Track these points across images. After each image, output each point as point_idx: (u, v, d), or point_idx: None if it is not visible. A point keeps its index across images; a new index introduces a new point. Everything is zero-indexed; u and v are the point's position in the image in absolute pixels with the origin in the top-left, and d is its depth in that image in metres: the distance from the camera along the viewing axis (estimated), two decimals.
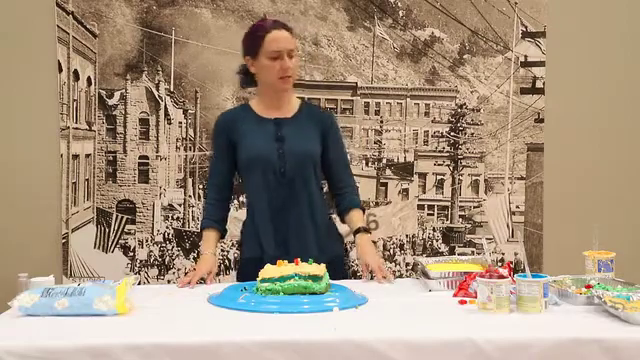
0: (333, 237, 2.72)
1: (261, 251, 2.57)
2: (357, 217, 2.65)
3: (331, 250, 2.64)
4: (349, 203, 2.68)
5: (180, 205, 4.11)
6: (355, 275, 2.99)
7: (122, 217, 4.05)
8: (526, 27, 4.13)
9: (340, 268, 2.64)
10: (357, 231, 2.61)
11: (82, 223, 4.02)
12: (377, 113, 4.18)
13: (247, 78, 2.67)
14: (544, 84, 4.11)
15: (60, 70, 3.93)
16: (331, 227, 2.73)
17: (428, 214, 4.21)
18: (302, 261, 2.20)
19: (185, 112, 4.08)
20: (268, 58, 2.53)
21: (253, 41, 2.57)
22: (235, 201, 4.14)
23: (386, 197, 4.22)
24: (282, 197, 2.57)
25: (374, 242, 4.07)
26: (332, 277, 2.29)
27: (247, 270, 2.45)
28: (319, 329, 1.85)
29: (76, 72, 3.98)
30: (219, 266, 4.08)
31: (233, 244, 4.10)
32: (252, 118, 2.64)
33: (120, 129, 4.04)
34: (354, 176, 2.81)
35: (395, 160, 4.21)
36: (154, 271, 4.07)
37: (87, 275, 3.99)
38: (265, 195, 2.59)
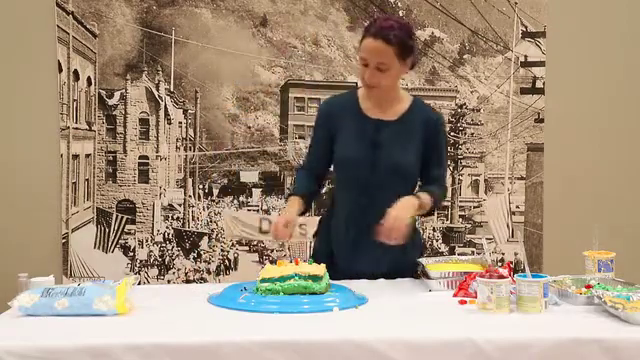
0: (413, 247, 2.56)
1: (331, 249, 2.48)
2: (422, 191, 2.49)
3: (408, 259, 2.53)
4: (425, 187, 2.52)
5: (180, 205, 4.11)
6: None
7: (122, 217, 4.05)
8: (526, 27, 4.13)
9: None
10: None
11: (82, 223, 4.02)
12: None
13: None
14: (544, 84, 4.11)
15: (60, 70, 3.93)
16: (413, 237, 2.55)
17: None
18: (371, 267, 2.15)
19: (185, 112, 4.08)
20: (360, 63, 2.45)
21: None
22: (235, 201, 4.15)
23: None
24: (364, 204, 2.47)
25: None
26: None
27: (317, 262, 2.32)
28: (319, 329, 1.85)
29: (76, 72, 3.98)
30: (219, 266, 4.09)
31: (233, 244, 4.10)
32: (355, 113, 2.53)
33: (120, 129, 4.04)
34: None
35: None
36: (154, 271, 4.06)
37: (87, 275, 3.99)
38: (348, 198, 2.52)
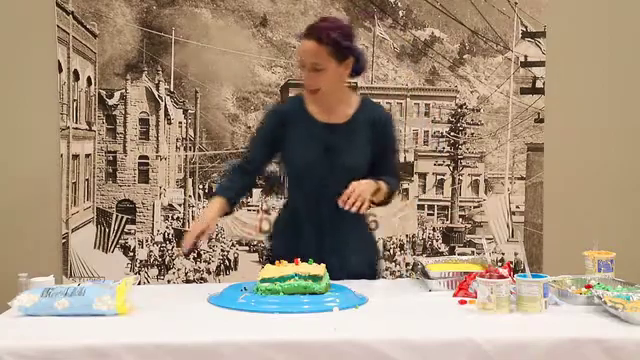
0: (369, 244, 2.68)
1: (292, 247, 2.45)
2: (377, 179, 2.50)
3: (366, 259, 2.60)
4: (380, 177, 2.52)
5: (180, 205, 4.11)
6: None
7: (122, 217, 4.05)
8: (526, 27, 4.13)
9: (372, 274, 2.60)
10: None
11: (82, 223, 4.02)
12: None
13: None
14: (544, 84, 4.11)
15: (60, 70, 3.93)
16: (369, 234, 2.69)
17: (428, 214, 4.21)
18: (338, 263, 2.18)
19: (185, 112, 4.08)
20: (299, 66, 2.52)
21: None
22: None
23: None
24: (320, 205, 2.49)
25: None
26: None
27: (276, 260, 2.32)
28: (319, 329, 1.85)
29: (76, 72, 3.98)
30: (219, 266, 4.09)
31: (233, 244, 4.10)
32: (304, 118, 2.55)
33: (120, 129, 4.04)
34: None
35: None
36: (154, 271, 4.06)
37: (87, 275, 3.99)
38: (303, 200, 2.54)
